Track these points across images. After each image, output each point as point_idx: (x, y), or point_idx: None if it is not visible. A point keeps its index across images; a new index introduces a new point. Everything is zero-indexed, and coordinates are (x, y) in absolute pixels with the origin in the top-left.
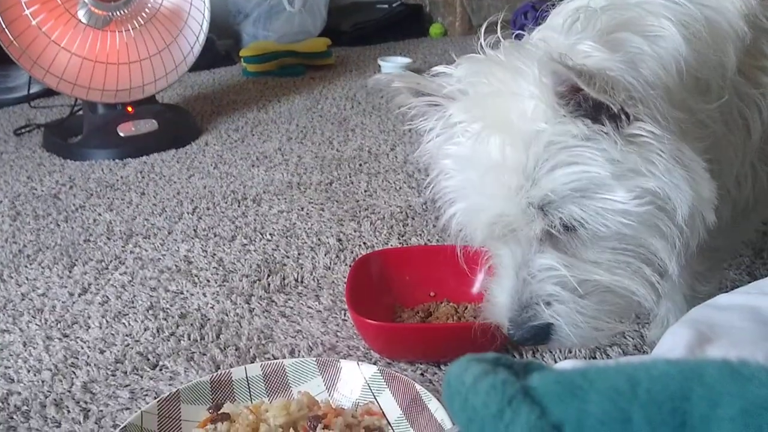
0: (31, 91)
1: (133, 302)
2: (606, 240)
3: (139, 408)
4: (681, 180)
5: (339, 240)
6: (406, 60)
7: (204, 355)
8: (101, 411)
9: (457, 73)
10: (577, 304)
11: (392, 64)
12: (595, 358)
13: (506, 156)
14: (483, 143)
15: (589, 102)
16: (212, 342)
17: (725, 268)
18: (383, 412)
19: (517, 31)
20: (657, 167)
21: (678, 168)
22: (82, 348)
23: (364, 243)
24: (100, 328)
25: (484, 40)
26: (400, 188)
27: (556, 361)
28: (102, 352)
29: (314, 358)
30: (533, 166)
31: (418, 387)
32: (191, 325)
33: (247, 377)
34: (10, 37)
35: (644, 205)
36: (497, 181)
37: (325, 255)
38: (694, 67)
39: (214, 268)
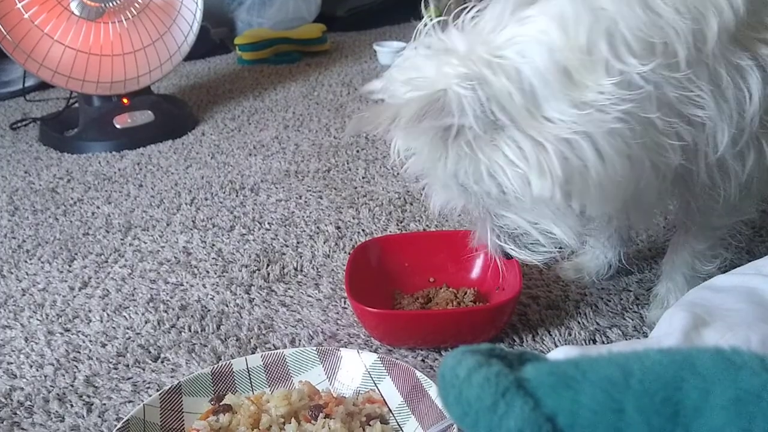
0: (26, 85)
1: (133, 295)
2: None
3: (142, 401)
4: (513, 180)
5: (338, 227)
6: (402, 44)
7: (205, 346)
8: (104, 404)
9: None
10: (515, 245)
11: (388, 49)
12: (594, 340)
13: (429, 166)
14: (418, 161)
15: None
16: (213, 333)
17: (725, 247)
18: (384, 400)
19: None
20: (499, 179)
21: (509, 169)
22: (84, 342)
23: (363, 230)
24: (101, 321)
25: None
26: (398, 174)
27: (556, 345)
28: (104, 345)
29: (314, 348)
30: (442, 169)
31: (418, 374)
32: (192, 316)
33: (248, 368)
34: (3, 30)
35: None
36: (436, 181)
37: (324, 243)
38: (644, 30)
39: (213, 258)
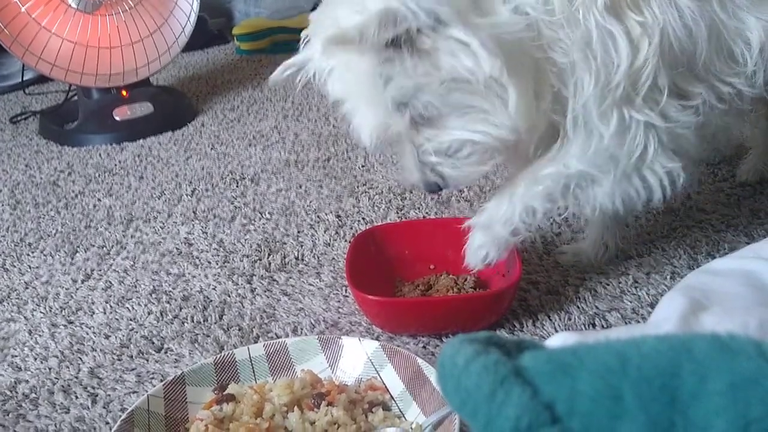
0: (25, 78)
1: (135, 286)
2: (454, 112)
3: (146, 391)
4: (467, 61)
5: (338, 216)
6: None
7: (208, 336)
8: (109, 395)
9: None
10: (450, 164)
11: None
12: (594, 324)
13: (360, 85)
14: (344, 81)
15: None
16: (215, 323)
17: (721, 230)
18: (386, 387)
19: None
20: (443, 64)
21: (461, 54)
22: (88, 334)
23: (363, 218)
24: (105, 313)
25: None
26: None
27: (556, 330)
28: (107, 337)
29: (316, 336)
30: (375, 86)
31: (419, 361)
32: (194, 307)
33: (250, 357)
34: (1, 24)
35: (452, 90)
36: (366, 102)
37: (325, 232)
38: None
39: (214, 249)
